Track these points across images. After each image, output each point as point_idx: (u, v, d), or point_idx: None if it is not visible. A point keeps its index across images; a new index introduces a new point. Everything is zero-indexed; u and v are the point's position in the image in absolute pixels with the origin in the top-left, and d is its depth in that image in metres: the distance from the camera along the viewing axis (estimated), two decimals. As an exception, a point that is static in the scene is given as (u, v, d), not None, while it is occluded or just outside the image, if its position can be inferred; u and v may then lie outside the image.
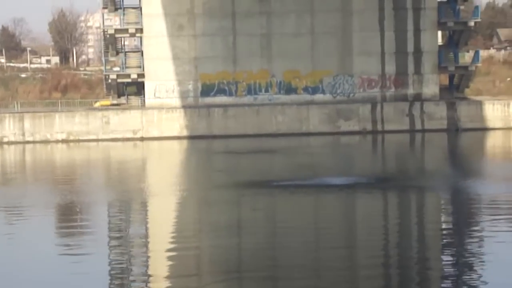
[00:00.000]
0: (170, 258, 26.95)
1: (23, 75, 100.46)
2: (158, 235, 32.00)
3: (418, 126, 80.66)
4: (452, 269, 25.27)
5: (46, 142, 77.54)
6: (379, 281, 23.84)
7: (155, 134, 78.80)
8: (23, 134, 78.45)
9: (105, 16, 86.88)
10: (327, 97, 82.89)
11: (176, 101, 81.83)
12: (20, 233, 32.68)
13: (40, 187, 49.29)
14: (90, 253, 28.14)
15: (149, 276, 24.91)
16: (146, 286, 23.77)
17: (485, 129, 79.62)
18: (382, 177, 47.44)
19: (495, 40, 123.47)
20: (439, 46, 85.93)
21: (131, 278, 24.73)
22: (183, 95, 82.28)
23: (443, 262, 26.26)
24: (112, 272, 25.54)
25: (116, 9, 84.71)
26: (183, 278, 24.39)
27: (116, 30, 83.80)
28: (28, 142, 77.64)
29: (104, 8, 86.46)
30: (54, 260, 27.37)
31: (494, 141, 73.49)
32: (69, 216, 37.68)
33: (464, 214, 34.83)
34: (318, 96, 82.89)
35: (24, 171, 61.71)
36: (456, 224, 32.93)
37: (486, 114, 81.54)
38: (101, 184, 51.24)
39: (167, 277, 24.46)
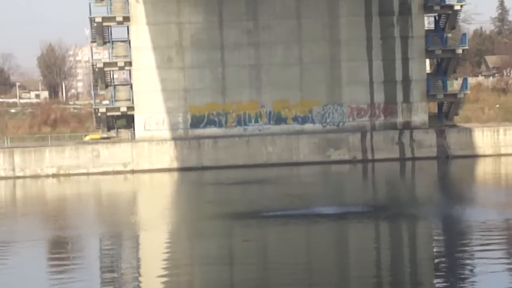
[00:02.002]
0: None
1: (12, 110, 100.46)
2: (149, 268, 31.96)
3: (408, 154, 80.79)
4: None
5: (36, 177, 77.41)
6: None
7: (146, 166, 78.75)
8: (13, 169, 78.32)
9: (94, 50, 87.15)
10: (317, 126, 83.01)
11: (166, 133, 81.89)
12: (13, 270, 32.62)
13: (31, 222, 49.21)
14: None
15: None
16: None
17: (475, 156, 79.76)
18: (373, 206, 47.47)
19: (483, 67, 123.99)
20: (428, 74, 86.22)
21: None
22: (173, 127, 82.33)
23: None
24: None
25: (104, 43, 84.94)
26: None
27: (105, 64, 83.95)
28: (18, 177, 77.51)
29: (92, 42, 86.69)
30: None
31: (484, 168, 73.60)
32: (60, 251, 37.59)
33: (455, 244, 34.86)
34: (308, 126, 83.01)
35: (14, 206, 61.54)
36: (447, 255, 32.93)
37: (476, 141, 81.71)
38: (92, 218, 51.17)
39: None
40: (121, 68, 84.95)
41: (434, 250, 34.57)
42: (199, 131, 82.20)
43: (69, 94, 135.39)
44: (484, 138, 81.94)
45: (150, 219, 47.96)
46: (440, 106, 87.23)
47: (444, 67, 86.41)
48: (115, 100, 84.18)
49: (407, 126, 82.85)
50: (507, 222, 39.74)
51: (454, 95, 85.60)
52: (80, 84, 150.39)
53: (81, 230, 44.34)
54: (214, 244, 35.83)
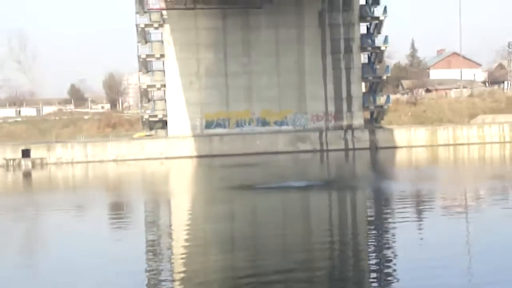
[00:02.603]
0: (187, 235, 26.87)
1: (86, 117, 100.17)
2: (175, 223, 31.96)
3: (350, 146, 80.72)
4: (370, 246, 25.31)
5: (101, 161, 77.20)
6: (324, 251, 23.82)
7: (175, 155, 78.51)
8: (87, 156, 78.08)
9: (140, 77, 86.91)
10: (290, 128, 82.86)
11: (189, 132, 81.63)
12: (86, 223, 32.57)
13: (98, 192, 49.15)
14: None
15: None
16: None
17: (394, 148, 79.78)
18: (327, 181, 47.51)
19: (400, 88, 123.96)
20: (363, 92, 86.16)
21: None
22: (193, 128, 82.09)
23: (368, 238, 26.33)
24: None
25: (147, 72, 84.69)
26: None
27: (148, 86, 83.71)
28: (89, 161, 77.30)
29: (139, 71, 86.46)
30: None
31: (401, 156, 73.66)
32: (118, 212, 37.54)
33: (381, 206, 34.91)
34: (284, 127, 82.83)
35: (87, 182, 61.49)
36: (376, 214, 32.98)
37: (395, 137, 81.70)
38: (140, 189, 51.10)
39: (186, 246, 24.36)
40: (159, 89, 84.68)
41: (367, 210, 34.60)
42: (211, 131, 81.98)
43: (124, 106, 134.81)
44: (400, 135, 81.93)
45: (178, 190, 47.89)
46: (371, 113, 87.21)
47: (374, 88, 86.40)
48: (155, 110, 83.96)
49: (350, 127, 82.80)
50: (416, 191, 39.76)
51: (381, 106, 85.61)
52: (131, 99, 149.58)
53: (132, 197, 44.28)
54: (221, 207, 35.79)
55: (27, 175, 69.21)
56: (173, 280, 20.09)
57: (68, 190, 51.76)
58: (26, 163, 77.03)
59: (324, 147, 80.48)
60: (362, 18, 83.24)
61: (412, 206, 33.72)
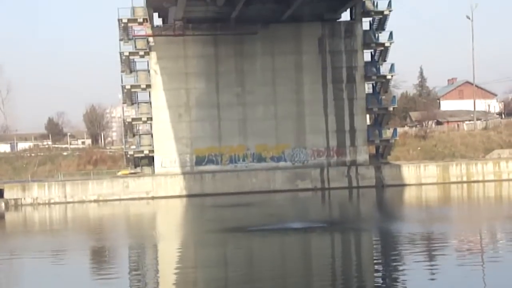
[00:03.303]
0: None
1: (64, 153, 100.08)
2: (164, 268, 31.85)
3: (354, 184, 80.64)
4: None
5: (82, 202, 76.97)
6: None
7: (163, 194, 78.36)
8: (65, 197, 77.82)
9: (125, 109, 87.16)
10: (288, 164, 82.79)
11: (178, 169, 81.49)
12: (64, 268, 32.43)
13: (77, 235, 48.98)
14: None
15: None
16: None
17: (403, 185, 79.71)
18: (329, 222, 47.45)
19: (408, 120, 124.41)
20: (368, 125, 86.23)
21: None
22: (183, 164, 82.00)
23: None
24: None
25: (132, 104, 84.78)
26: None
27: (133, 119, 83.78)
28: (69, 202, 77.03)
29: (123, 103, 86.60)
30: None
31: (409, 194, 73.63)
32: (99, 257, 37.41)
33: (389, 249, 34.86)
34: (281, 163, 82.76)
35: (66, 224, 61.28)
36: (383, 257, 32.93)
37: (403, 174, 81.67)
38: (123, 232, 50.94)
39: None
40: (145, 122, 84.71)
41: (374, 253, 34.54)
42: (202, 168, 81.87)
43: (106, 141, 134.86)
44: (409, 172, 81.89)
45: (166, 233, 47.78)
46: (377, 148, 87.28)
47: (380, 120, 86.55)
48: (140, 145, 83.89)
49: (354, 163, 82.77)
50: (426, 233, 39.75)
51: (387, 140, 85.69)
52: (114, 134, 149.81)
53: (114, 241, 44.14)
54: (213, 251, 35.70)
55: (0, 217, 68.95)
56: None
57: (45, 234, 51.58)
58: (-1, 204, 76.85)
59: (326, 185, 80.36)
60: (366, 45, 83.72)
61: (422, 249, 33.70)
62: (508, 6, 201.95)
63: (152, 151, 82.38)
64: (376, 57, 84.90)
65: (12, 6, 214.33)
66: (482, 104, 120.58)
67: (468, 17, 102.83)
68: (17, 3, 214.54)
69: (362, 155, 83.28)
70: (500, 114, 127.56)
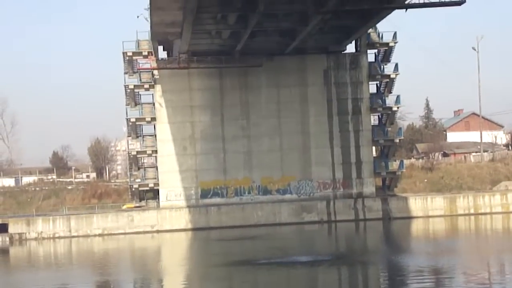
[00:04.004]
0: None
1: (69, 187, 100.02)
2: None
3: (361, 216, 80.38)
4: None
5: (87, 236, 76.85)
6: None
7: (168, 227, 78.22)
8: (70, 231, 77.75)
9: (130, 142, 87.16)
10: (294, 196, 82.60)
11: (183, 203, 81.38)
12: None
13: (82, 270, 48.84)
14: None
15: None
16: None
17: (410, 218, 79.44)
18: (335, 255, 47.27)
19: (414, 152, 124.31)
20: (374, 157, 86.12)
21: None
22: (188, 198, 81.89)
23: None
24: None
25: (137, 137, 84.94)
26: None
27: (138, 152, 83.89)
28: (73, 236, 76.93)
29: (128, 136, 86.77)
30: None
31: (417, 227, 73.39)
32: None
33: (398, 283, 34.68)
34: (287, 196, 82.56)
35: (70, 258, 61.16)
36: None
37: (410, 207, 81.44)
38: (128, 266, 50.79)
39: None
40: (149, 155, 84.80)
41: (381, 287, 34.35)
42: (207, 201, 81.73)
43: (111, 174, 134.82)
44: (416, 204, 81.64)
45: (171, 267, 47.62)
46: (383, 180, 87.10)
47: (386, 152, 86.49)
48: (145, 179, 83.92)
49: (360, 195, 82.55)
50: (434, 266, 39.56)
51: (394, 172, 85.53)
52: (119, 167, 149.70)
53: (119, 275, 43.99)
54: (218, 285, 35.54)
55: (4, 252, 68.90)
56: None
57: (49, 268, 51.47)
58: (3, 239, 76.61)
59: (332, 218, 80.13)
60: (371, 77, 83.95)
61: (430, 283, 33.51)
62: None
63: (157, 184, 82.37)
64: (381, 89, 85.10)
65: (14, 40, 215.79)
66: (488, 136, 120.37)
67: (474, 49, 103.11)
68: (18, 36, 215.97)
69: (369, 187, 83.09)
70: (507, 145, 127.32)
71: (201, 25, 65.04)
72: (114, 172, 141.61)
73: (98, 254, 63.76)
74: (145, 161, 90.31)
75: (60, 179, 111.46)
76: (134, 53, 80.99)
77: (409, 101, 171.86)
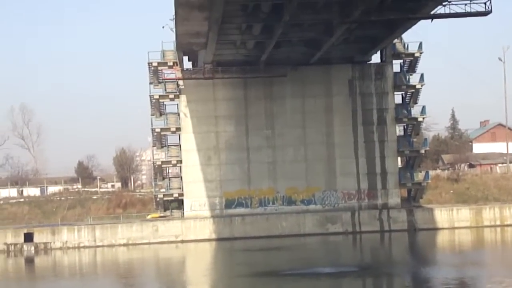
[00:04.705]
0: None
1: (94, 197, 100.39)
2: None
3: (386, 227, 79.88)
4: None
5: (111, 246, 77.03)
6: None
7: (192, 237, 78.18)
8: (95, 240, 77.97)
9: (155, 152, 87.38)
10: (318, 207, 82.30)
11: (207, 213, 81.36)
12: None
13: (107, 280, 48.91)
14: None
15: None
16: None
17: (435, 229, 78.83)
18: (361, 267, 47.00)
19: (440, 163, 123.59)
20: (399, 168, 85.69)
21: None
22: (212, 208, 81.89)
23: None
24: None
25: (162, 147, 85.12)
26: None
27: (163, 162, 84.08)
28: (98, 246, 77.16)
29: (153, 146, 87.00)
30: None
31: (442, 238, 72.88)
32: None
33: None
34: (311, 206, 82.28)
35: (95, 268, 61.33)
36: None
37: (436, 218, 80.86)
38: (153, 277, 50.82)
39: None
40: (174, 165, 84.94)
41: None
42: (231, 211, 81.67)
43: (136, 184, 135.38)
44: (442, 216, 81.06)
45: (195, 277, 47.58)
46: (409, 191, 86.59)
47: (411, 163, 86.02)
48: (170, 188, 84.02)
49: (385, 206, 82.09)
50: (461, 279, 39.20)
51: (419, 183, 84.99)
52: (144, 177, 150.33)
53: (144, 286, 44.01)
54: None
55: (29, 261, 69.24)
56: None
57: (74, 278, 51.64)
58: (28, 248, 76.97)
59: (357, 229, 79.70)
60: (397, 87, 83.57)
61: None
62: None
63: (182, 194, 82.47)
64: (407, 99, 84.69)
65: (40, 51, 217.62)
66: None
67: (500, 59, 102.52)
68: (45, 48, 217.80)
69: (394, 198, 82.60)
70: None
71: (226, 35, 65.11)
72: (139, 182, 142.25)
73: (123, 264, 63.90)
74: (170, 171, 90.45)
75: (85, 189, 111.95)
76: (159, 64, 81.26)
77: (435, 112, 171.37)
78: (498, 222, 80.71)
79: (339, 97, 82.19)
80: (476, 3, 54.85)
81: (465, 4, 54.94)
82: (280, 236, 76.09)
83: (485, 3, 54.75)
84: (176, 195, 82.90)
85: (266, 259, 56.58)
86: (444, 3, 55.26)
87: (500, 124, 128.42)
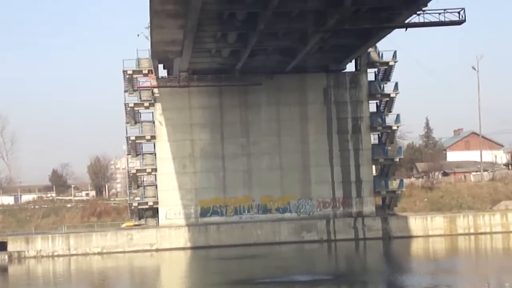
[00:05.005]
0: None
1: (68, 205, 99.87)
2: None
3: (361, 235, 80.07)
4: None
5: (86, 254, 76.60)
6: None
7: (167, 246, 77.93)
8: (69, 249, 77.47)
9: (129, 160, 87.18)
10: (293, 215, 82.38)
11: (182, 221, 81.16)
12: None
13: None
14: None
15: None
16: None
17: (410, 237, 79.17)
18: (335, 275, 47.08)
19: (414, 171, 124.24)
20: (374, 176, 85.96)
21: None
22: (187, 216, 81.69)
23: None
24: None
25: (137, 155, 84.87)
26: None
27: (137, 170, 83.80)
28: (72, 255, 76.67)
29: (128, 154, 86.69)
30: None
31: (417, 246, 73.17)
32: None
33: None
34: (287, 214, 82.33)
35: (69, 276, 60.92)
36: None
37: (410, 226, 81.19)
38: (128, 286, 50.55)
39: None
40: (149, 173, 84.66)
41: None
42: (206, 219, 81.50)
43: (110, 193, 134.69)
44: (416, 224, 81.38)
45: (170, 286, 47.40)
46: (383, 199, 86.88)
47: (386, 171, 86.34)
48: (145, 197, 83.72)
49: (360, 214, 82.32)
50: (434, 286, 39.39)
51: (394, 191, 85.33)
52: (119, 185, 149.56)
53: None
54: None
55: (3, 270, 68.63)
56: None
57: (48, 287, 51.22)
58: (2, 257, 76.25)
59: (332, 237, 79.84)
60: (371, 96, 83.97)
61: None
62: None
63: (157, 202, 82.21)
64: (381, 108, 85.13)
65: (15, 56, 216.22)
66: (488, 155, 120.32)
67: (474, 68, 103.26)
68: (19, 54, 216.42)
69: (369, 206, 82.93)
70: (507, 165, 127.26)
71: (201, 43, 65.14)
72: (113, 190, 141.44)
73: (97, 272, 63.55)
74: (144, 179, 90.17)
75: (60, 197, 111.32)
76: (134, 72, 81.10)
77: (409, 120, 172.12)
78: (472, 230, 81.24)
79: (314, 106, 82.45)
80: (450, 12, 55.40)
81: (439, 14, 55.48)
82: (256, 244, 76.08)
83: (459, 13, 55.32)
84: (151, 203, 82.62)
85: (241, 267, 56.50)
86: (418, 13, 55.73)
87: (473, 133, 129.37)
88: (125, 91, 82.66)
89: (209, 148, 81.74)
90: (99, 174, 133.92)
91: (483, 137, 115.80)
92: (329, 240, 78.78)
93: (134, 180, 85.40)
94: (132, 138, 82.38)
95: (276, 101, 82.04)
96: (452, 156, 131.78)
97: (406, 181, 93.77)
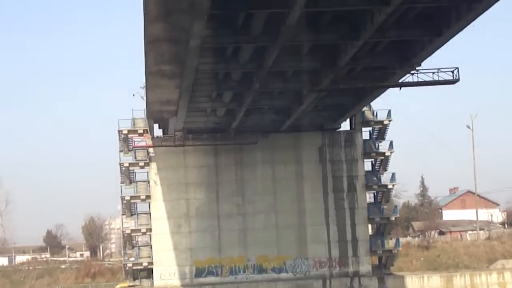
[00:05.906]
0: None
1: (63, 266, 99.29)
2: None
3: (357, 295, 79.67)
4: None
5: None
6: None
7: (162, 307, 77.33)
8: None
9: (124, 220, 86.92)
10: (289, 275, 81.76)
11: (177, 282, 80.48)
12: None
13: None
14: None
15: None
16: None
17: (407, 296, 78.80)
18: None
19: (410, 230, 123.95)
20: (370, 235, 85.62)
21: None
22: (182, 277, 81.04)
23: None
24: None
25: (131, 215, 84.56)
26: None
27: (132, 230, 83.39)
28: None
29: (123, 214, 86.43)
30: None
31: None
32: None
33: None
34: (283, 274, 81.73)
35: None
36: None
37: (407, 285, 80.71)
38: None
39: None
40: (144, 233, 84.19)
41: None
42: (202, 280, 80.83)
43: (105, 253, 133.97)
44: (413, 283, 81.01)
45: None
46: (380, 259, 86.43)
47: (382, 230, 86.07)
48: (139, 257, 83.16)
49: (356, 274, 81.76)
50: None
51: (390, 251, 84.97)
52: (113, 245, 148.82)
53: None
54: None
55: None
56: None
57: None
58: (-6, 319, 75.74)
59: (329, 297, 79.32)
60: (366, 154, 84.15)
61: None
62: (508, 115, 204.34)
63: (151, 263, 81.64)
64: (376, 166, 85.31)
65: (9, 117, 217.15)
66: (484, 214, 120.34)
67: (468, 127, 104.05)
68: (14, 115, 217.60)
69: (365, 266, 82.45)
70: (503, 223, 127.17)
71: (197, 103, 65.54)
72: (108, 250, 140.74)
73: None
74: (139, 239, 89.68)
75: (54, 258, 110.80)
76: (129, 131, 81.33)
77: (404, 179, 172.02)
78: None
79: (309, 164, 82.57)
80: (444, 71, 55.83)
81: (433, 73, 55.89)
82: (251, 305, 75.33)
83: (452, 72, 55.75)
84: (145, 264, 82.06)
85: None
86: (412, 72, 56.17)
87: (469, 191, 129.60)
88: (120, 151, 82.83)
89: (204, 208, 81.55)
90: (94, 234, 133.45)
91: (478, 195, 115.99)
92: (326, 300, 78.06)
93: (128, 240, 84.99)
94: (127, 197, 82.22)
95: (272, 160, 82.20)
96: (448, 214, 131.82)
97: (402, 240, 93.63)
